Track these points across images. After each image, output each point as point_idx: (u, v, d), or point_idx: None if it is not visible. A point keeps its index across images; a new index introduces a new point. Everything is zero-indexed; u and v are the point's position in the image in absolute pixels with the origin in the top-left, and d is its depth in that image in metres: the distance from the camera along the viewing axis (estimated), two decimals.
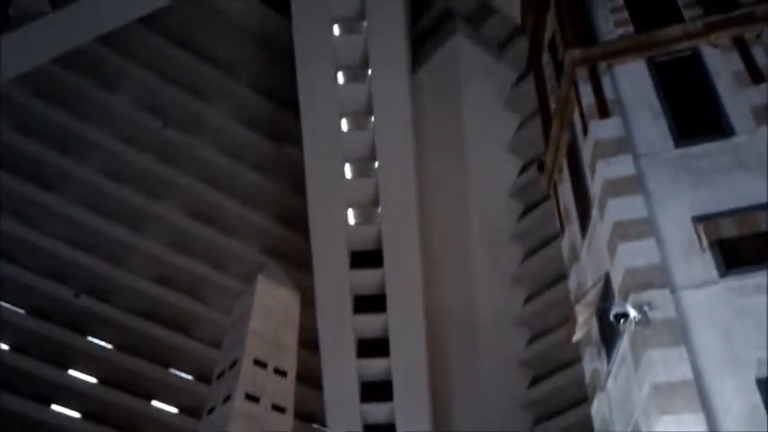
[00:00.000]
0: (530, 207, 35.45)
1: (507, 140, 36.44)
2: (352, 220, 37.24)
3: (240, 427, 32.46)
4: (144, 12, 32.46)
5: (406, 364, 35.26)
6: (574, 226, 13.24)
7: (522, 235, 36.13)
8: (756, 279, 9.26)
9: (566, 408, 32.72)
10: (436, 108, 36.12)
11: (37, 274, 36.09)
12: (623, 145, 11.30)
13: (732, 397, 8.59)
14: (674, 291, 9.61)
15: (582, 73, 12.63)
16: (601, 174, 11.25)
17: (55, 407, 37.40)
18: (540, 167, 15.30)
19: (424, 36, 37.17)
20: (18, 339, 36.09)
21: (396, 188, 35.56)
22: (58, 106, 35.18)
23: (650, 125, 11.49)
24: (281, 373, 35.15)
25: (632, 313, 9.34)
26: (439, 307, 36.07)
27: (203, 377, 39.86)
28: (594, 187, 11.61)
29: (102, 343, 38.81)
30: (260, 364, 34.46)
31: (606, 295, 10.68)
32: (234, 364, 34.79)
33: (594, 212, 11.63)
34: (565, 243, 13.99)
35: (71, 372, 38.05)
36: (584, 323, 11.21)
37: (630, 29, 12.94)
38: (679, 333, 9.20)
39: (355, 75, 35.45)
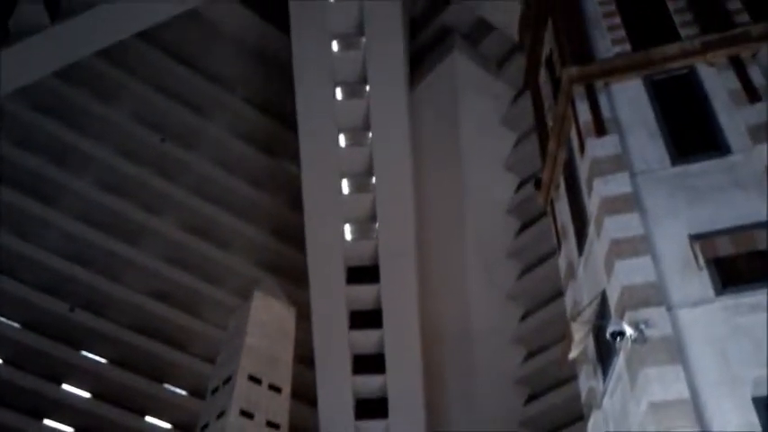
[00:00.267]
0: (526, 224, 35.49)
1: (504, 157, 36.55)
2: (348, 236, 37.20)
3: None
4: (143, 27, 32.65)
5: (402, 380, 35.12)
6: (570, 243, 13.23)
7: (518, 252, 36.13)
8: (753, 298, 9.25)
9: (562, 426, 32.58)
10: (434, 124, 36.25)
11: (32, 287, 35.93)
12: (620, 163, 11.31)
13: (729, 415, 8.55)
14: (670, 309, 9.59)
15: (579, 91, 12.67)
16: (597, 191, 11.25)
17: (48, 421, 37.09)
18: (537, 184, 15.30)
19: (423, 53, 37.37)
20: (12, 353, 35.87)
21: (393, 204, 35.58)
22: (56, 120, 35.23)
23: (647, 143, 11.51)
24: (275, 389, 34.89)
25: (628, 331, 9.31)
26: (435, 323, 35.98)
27: (197, 393, 39.60)
28: (591, 205, 11.61)
29: (97, 357, 38.57)
30: (254, 379, 34.22)
31: (602, 313, 10.65)
32: (228, 379, 34.55)
33: (591, 230, 11.62)
34: (561, 260, 13.97)
35: (65, 386, 37.79)
36: (581, 341, 11.17)
37: (627, 47, 13.00)
38: (675, 351, 9.17)
39: (353, 90, 35.59)
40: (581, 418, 12.83)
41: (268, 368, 35.08)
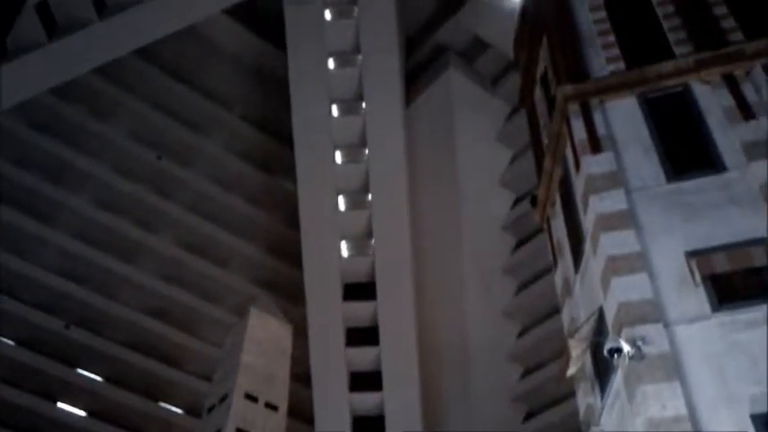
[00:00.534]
0: (522, 240, 35.50)
1: (500, 174, 36.64)
2: (345, 253, 37.18)
3: None
4: (140, 44, 32.78)
5: (399, 398, 34.97)
6: (567, 260, 13.26)
7: (514, 268, 36.11)
8: (749, 314, 9.28)
9: None
10: (430, 141, 36.36)
11: (27, 304, 35.78)
12: (615, 180, 11.37)
13: None
14: (667, 325, 9.60)
15: (574, 108, 12.74)
16: (593, 208, 11.29)
17: None
18: (533, 201, 15.36)
19: (418, 70, 37.56)
20: (7, 371, 35.65)
21: (389, 220, 35.61)
22: (53, 137, 35.25)
23: (642, 160, 11.57)
24: (272, 407, 34.68)
25: (626, 348, 9.32)
26: (432, 340, 35.89)
27: (193, 411, 39.35)
28: (587, 221, 11.64)
29: (92, 375, 38.35)
30: (251, 398, 34.02)
31: (600, 330, 10.65)
32: (224, 397, 34.34)
33: (587, 247, 11.65)
34: (558, 277, 13.99)
35: (60, 404, 37.54)
36: (578, 358, 11.17)
37: (622, 65, 13.10)
38: (673, 368, 9.18)
39: (350, 108, 35.74)
40: None
41: (264, 386, 34.90)
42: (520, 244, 35.89)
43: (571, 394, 14.94)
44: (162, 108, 37.68)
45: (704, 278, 9.71)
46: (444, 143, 35.86)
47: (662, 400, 8.92)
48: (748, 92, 11.71)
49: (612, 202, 11.10)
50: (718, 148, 11.22)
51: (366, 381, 36.06)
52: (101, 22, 30.24)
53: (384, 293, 35.84)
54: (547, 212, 14.67)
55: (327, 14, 34.68)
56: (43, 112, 34.18)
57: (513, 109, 34.81)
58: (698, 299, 9.66)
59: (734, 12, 12.93)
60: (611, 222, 10.87)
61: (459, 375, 34.86)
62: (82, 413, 37.94)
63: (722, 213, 10.39)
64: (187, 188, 38.79)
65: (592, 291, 11.45)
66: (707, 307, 9.58)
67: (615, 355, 9.36)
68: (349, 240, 37.19)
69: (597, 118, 12.41)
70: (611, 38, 13.62)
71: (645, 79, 12.55)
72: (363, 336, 36.32)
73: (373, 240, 36.52)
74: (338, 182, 36.15)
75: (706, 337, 9.36)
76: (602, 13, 14.13)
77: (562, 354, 11.38)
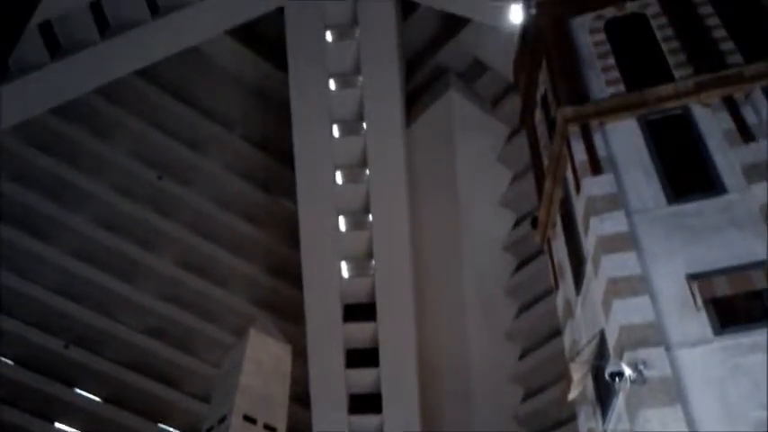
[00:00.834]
0: (524, 261, 35.41)
1: (501, 195, 36.63)
2: (345, 273, 37.09)
3: None
4: (143, 65, 32.90)
5: (399, 419, 34.71)
6: (568, 281, 13.21)
7: (515, 289, 36.00)
8: (752, 338, 9.23)
9: None
10: (430, 162, 36.39)
11: (26, 323, 35.61)
12: (616, 202, 11.37)
13: None
14: (669, 349, 9.55)
15: (574, 130, 12.77)
16: (594, 230, 11.27)
17: None
18: (534, 222, 15.34)
19: (419, 91, 37.68)
20: (4, 390, 35.42)
21: (390, 241, 35.55)
22: (53, 157, 35.26)
23: (642, 182, 11.57)
24: (270, 429, 34.38)
25: (628, 372, 9.26)
26: (432, 361, 35.69)
27: None
28: (588, 243, 11.62)
29: (91, 396, 38.10)
30: (249, 419, 33.73)
31: (601, 353, 10.59)
32: (223, 419, 34.06)
33: (588, 268, 11.61)
34: (559, 299, 13.94)
35: (58, 425, 37.25)
36: (580, 381, 11.09)
37: (622, 87, 13.15)
38: (675, 392, 9.11)
39: (350, 128, 35.81)
40: None
41: (263, 407, 34.65)
42: (521, 265, 35.80)
43: (573, 418, 14.82)
44: (162, 128, 37.74)
45: (706, 302, 9.67)
46: (445, 164, 35.89)
47: (664, 425, 8.85)
48: (748, 114, 11.74)
49: (613, 223, 11.09)
50: (718, 171, 11.23)
51: (366, 402, 35.82)
52: (103, 43, 30.40)
53: (384, 314, 35.69)
54: (548, 234, 14.65)
55: (329, 36, 34.86)
56: (44, 132, 34.23)
57: (514, 130, 34.87)
58: (700, 322, 9.62)
59: (733, 35, 13.01)
60: (612, 244, 10.85)
61: (460, 397, 34.63)
62: None
63: (723, 236, 10.38)
64: (187, 208, 38.76)
65: (593, 313, 11.39)
66: (709, 330, 9.53)
67: (617, 379, 9.31)
68: (349, 261, 37.11)
69: (597, 140, 12.43)
70: (611, 60, 13.69)
71: (645, 102, 12.59)
72: (363, 357, 36.12)
73: (374, 261, 36.43)
74: (339, 202, 36.14)
75: (708, 361, 9.30)
76: (602, 36, 14.22)
77: (564, 376, 11.29)
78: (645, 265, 10.47)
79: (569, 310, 13.10)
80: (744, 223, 10.36)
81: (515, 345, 35.92)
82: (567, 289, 13.33)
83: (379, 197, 35.56)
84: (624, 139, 12.30)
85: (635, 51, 13.75)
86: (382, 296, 35.76)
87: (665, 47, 13.42)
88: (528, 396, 35.07)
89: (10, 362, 36.04)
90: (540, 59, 15.30)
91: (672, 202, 11.16)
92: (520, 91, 17.33)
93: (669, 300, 10.02)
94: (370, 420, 35.48)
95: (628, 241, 10.79)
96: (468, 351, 34.89)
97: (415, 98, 37.54)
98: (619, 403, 9.99)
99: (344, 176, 36.43)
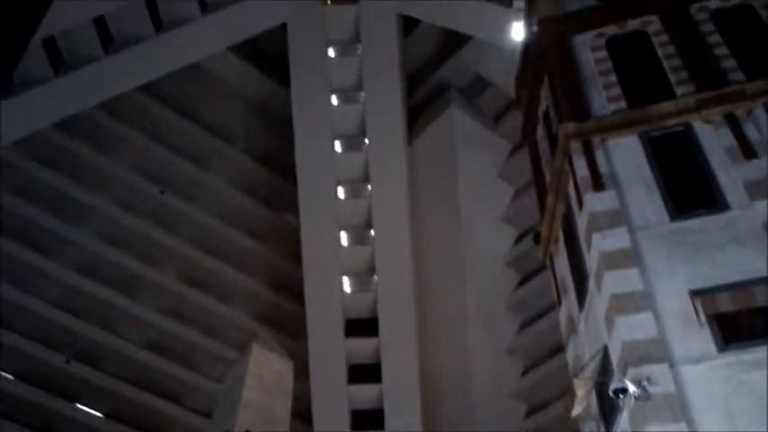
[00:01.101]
0: (526, 277, 35.34)
1: (503, 210, 36.64)
2: (347, 288, 37.06)
3: None
4: (146, 80, 33.07)
5: None
6: (571, 297, 13.21)
7: (517, 305, 35.92)
8: (755, 354, 9.23)
9: None
10: (432, 177, 36.45)
11: (27, 338, 35.53)
12: (618, 218, 11.39)
13: None
14: (672, 365, 9.54)
15: (576, 146, 12.82)
16: (597, 246, 11.29)
17: None
18: (536, 238, 15.36)
19: (421, 107, 37.80)
20: (5, 405, 35.32)
21: (392, 256, 35.53)
22: (56, 171, 35.34)
23: (645, 199, 11.61)
24: None
25: (631, 388, 9.25)
26: (434, 377, 35.57)
27: None
28: (591, 259, 11.64)
29: (92, 411, 37.95)
30: None
31: (605, 369, 10.58)
32: None
33: (591, 284, 11.62)
34: (562, 314, 13.93)
35: None
36: (583, 398, 11.06)
37: (623, 104, 13.21)
38: (679, 409, 9.10)
39: (352, 143, 35.90)
40: None
41: (265, 423, 34.52)
42: (523, 281, 35.73)
43: None
44: (165, 143, 37.83)
45: (709, 318, 9.68)
46: (446, 180, 35.94)
47: None
48: (750, 131, 11.80)
49: (616, 240, 11.12)
50: (720, 187, 11.27)
51: (368, 418, 35.66)
52: (107, 58, 30.58)
53: (386, 330, 35.61)
54: (550, 249, 14.66)
55: (331, 52, 35.04)
56: (47, 146, 34.33)
57: (515, 146, 34.95)
58: (703, 338, 9.62)
59: (734, 52, 13.09)
60: (614, 260, 10.87)
61: (462, 413, 34.46)
62: None
63: (726, 252, 10.40)
64: (189, 222, 38.79)
65: (596, 329, 11.39)
66: (712, 347, 9.53)
67: (621, 396, 9.30)
68: (351, 276, 37.08)
69: (599, 156, 12.48)
70: (613, 77, 13.76)
71: (646, 118, 12.65)
72: (365, 372, 36.00)
73: (376, 276, 36.40)
74: (341, 217, 36.17)
75: (712, 378, 9.30)
76: (604, 53, 14.30)
77: (567, 393, 11.27)
78: (648, 281, 10.49)
79: (572, 326, 13.09)
80: (746, 240, 10.39)
81: (518, 360, 35.79)
82: (569, 305, 13.33)
83: (381, 212, 35.59)
84: (626, 155, 12.34)
85: (636, 69, 13.82)
86: (384, 311, 35.70)
87: (666, 64, 13.50)
88: (531, 412, 34.89)
89: (10, 376, 35.93)
90: (541, 76, 15.38)
91: (674, 219, 11.19)
92: (521, 107, 17.41)
93: (672, 316, 10.03)
94: None
95: (630, 257, 10.80)
96: (471, 367, 34.75)
97: (417, 114, 37.67)
98: (623, 420, 9.97)
99: (346, 192, 36.47)
